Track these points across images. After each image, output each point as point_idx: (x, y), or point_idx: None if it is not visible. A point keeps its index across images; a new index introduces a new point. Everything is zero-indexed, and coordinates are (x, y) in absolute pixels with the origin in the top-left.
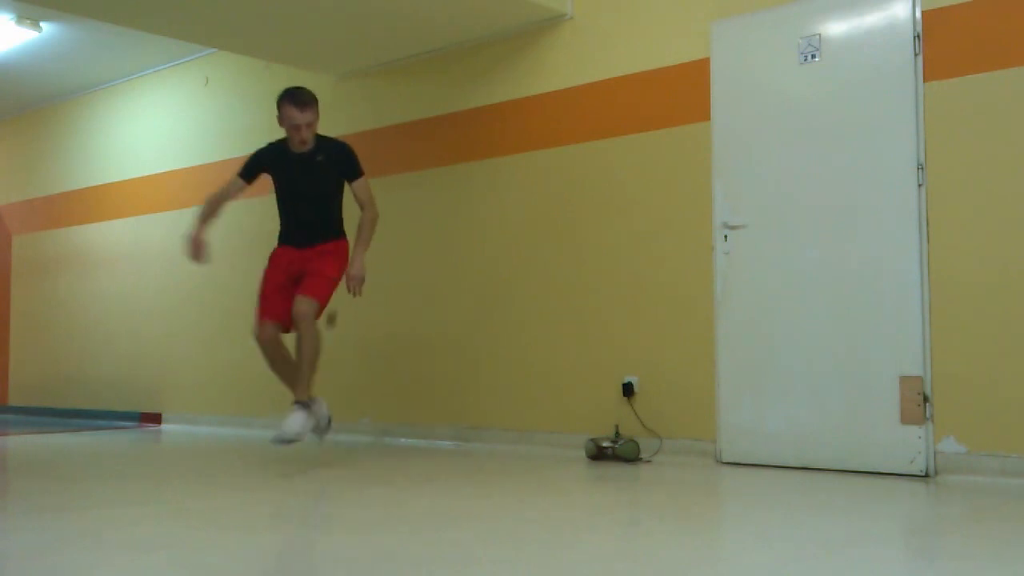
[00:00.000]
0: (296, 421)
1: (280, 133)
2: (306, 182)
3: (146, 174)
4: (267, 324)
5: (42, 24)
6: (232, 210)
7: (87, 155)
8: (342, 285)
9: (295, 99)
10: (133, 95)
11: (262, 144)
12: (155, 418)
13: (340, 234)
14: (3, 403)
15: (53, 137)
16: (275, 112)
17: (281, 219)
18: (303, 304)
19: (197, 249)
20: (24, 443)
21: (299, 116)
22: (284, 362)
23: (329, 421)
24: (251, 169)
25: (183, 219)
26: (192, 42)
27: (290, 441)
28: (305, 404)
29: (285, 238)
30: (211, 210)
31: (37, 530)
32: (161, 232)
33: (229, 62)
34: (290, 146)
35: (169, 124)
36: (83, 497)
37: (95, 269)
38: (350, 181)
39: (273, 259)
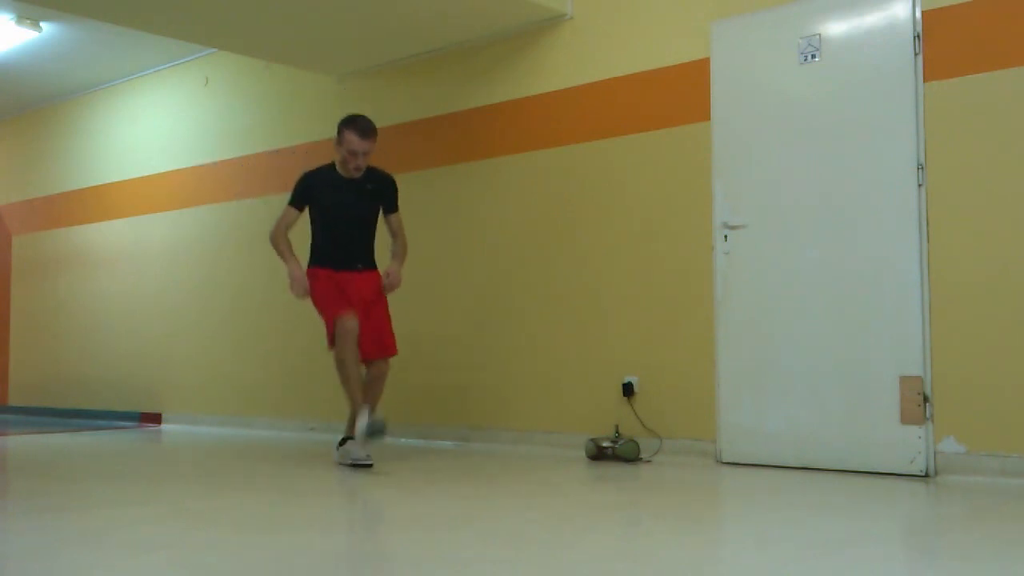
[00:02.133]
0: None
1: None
2: (356, 207)
3: (146, 174)
4: (349, 314)
5: (42, 24)
6: (231, 210)
7: (87, 155)
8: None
9: (358, 127)
10: (133, 95)
11: (263, 143)
12: (155, 418)
13: (374, 263)
14: (3, 403)
15: (53, 137)
16: (275, 111)
17: (323, 242)
18: (385, 367)
19: (303, 285)
20: (24, 443)
21: (359, 144)
22: (358, 363)
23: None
24: (303, 196)
25: (183, 219)
26: (192, 42)
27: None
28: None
29: (329, 261)
30: (286, 243)
31: (37, 530)
32: (161, 232)
33: (229, 62)
34: (341, 171)
35: (169, 124)
36: (83, 497)
37: (95, 269)
38: (388, 213)
39: (319, 274)
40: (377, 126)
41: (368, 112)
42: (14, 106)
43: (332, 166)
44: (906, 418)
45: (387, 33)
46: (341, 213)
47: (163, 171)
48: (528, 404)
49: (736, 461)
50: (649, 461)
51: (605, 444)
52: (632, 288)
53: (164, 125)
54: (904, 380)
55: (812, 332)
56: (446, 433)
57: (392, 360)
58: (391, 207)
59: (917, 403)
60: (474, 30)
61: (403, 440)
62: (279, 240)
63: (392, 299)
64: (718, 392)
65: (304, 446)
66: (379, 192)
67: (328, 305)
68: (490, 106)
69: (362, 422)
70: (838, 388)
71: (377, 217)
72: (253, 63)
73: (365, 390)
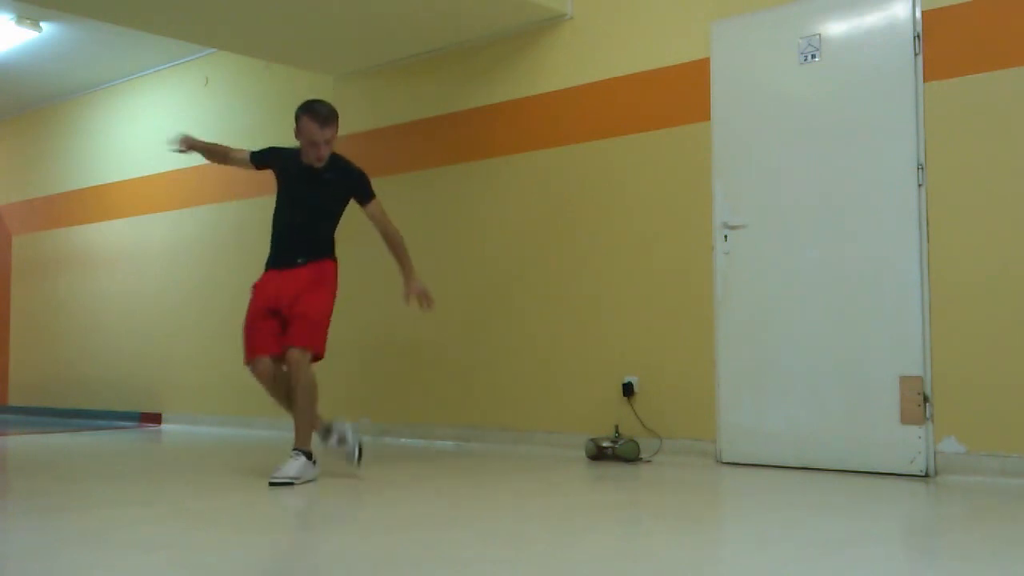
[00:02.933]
0: (293, 466)
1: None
2: (310, 197)
3: (146, 174)
4: (259, 361)
5: (42, 24)
6: (231, 210)
7: (87, 155)
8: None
9: (316, 114)
10: (133, 95)
11: (262, 144)
12: (155, 418)
13: (329, 254)
14: (3, 403)
15: (53, 137)
16: (275, 111)
17: (273, 234)
18: (292, 354)
19: (185, 143)
20: (24, 443)
21: (319, 133)
22: (286, 393)
23: (360, 449)
24: (264, 157)
25: (183, 219)
26: (192, 42)
27: (284, 483)
28: (306, 452)
29: (272, 260)
30: (211, 145)
31: (37, 530)
32: (161, 232)
33: (229, 62)
34: (303, 159)
35: (169, 124)
36: (83, 497)
37: (95, 269)
38: (364, 204)
39: (257, 287)
40: (377, 126)
41: (368, 112)
42: (14, 106)
43: (298, 152)
44: (906, 418)
45: (387, 33)
46: (293, 198)
47: (163, 171)
48: (528, 404)
49: (736, 461)
50: (649, 461)
51: (605, 444)
52: (632, 288)
53: (164, 125)
54: (904, 380)
55: (812, 332)
56: (446, 433)
57: (392, 360)
58: (366, 196)
59: (917, 403)
60: (474, 30)
61: (403, 440)
62: (212, 144)
63: (392, 299)
64: (718, 392)
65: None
66: (340, 184)
67: (247, 338)
68: (490, 106)
69: (288, 464)
70: (838, 388)
71: (336, 211)
72: (253, 63)
73: (293, 407)
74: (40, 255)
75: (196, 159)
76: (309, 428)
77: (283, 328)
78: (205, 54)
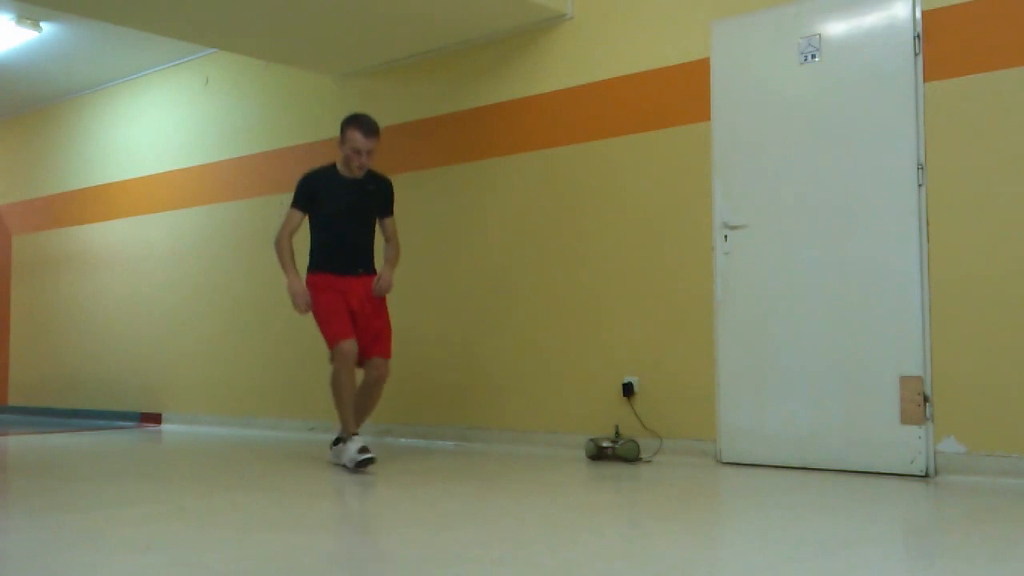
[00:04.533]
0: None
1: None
2: (357, 209)
3: (146, 174)
4: (348, 342)
5: (42, 24)
6: (232, 210)
7: (87, 155)
8: None
9: (363, 126)
10: (133, 95)
11: (263, 143)
12: (155, 418)
13: (374, 266)
14: (3, 403)
15: (53, 137)
16: (275, 111)
17: (323, 244)
18: (384, 368)
19: (305, 301)
20: (24, 443)
21: (364, 143)
22: (354, 387)
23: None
24: (306, 198)
25: (183, 219)
26: (192, 42)
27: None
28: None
29: (329, 266)
30: (289, 253)
31: (37, 530)
32: (161, 232)
33: (229, 62)
34: (342, 171)
35: (169, 124)
36: (83, 497)
37: (95, 269)
38: (383, 216)
39: (318, 284)
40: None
41: (368, 112)
42: (14, 106)
43: (332, 167)
44: (906, 418)
45: (387, 33)
46: (344, 215)
47: (163, 171)
48: (528, 404)
49: (736, 461)
50: (649, 461)
51: (605, 444)
52: (632, 288)
53: (164, 125)
54: (904, 380)
55: (812, 332)
56: (446, 433)
57: (392, 360)
58: (388, 210)
59: (917, 403)
60: (474, 30)
61: (403, 440)
62: (283, 249)
63: (393, 298)
64: (718, 392)
65: (304, 446)
66: (379, 193)
67: (331, 322)
68: (490, 106)
69: (352, 448)
70: (838, 388)
71: (375, 219)
72: (253, 63)
73: (360, 397)
74: (40, 255)
75: (196, 159)
76: (360, 420)
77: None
78: (205, 54)
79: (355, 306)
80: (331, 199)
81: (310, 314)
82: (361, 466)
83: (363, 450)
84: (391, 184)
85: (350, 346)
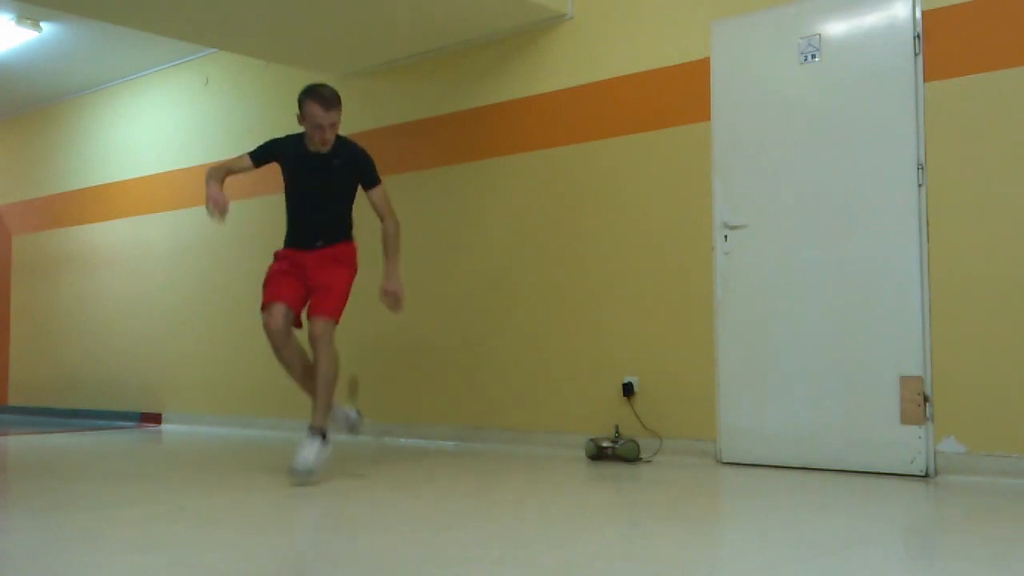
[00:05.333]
0: (310, 453)
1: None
2: (319, 183)
3: (146, 174)
4: (275, 305)
5: (42, 24)
6: (232, 210)
7: (87, 155)
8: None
9: (320, 97)
10: (133, 95)
11: (262, 142)
12: (155, 418)
13: (348, 236)
14: (3, 403)
15: (53, 137)
16: (275, 111)
17: (288, 218)
18: (318, 326)
19: (220, 206)
20: (24, 443)
21: (323, 116)
22: (296, 357)
23: (357, 418)
24: (263, 154)
25: (183, 219)
26: (192, 42)
27: (305, 478)
28: (321, 432)
29: (290, 240)
30: (220, 176)
31: (37, 530)
32: (161, 232)
33: (229, 62)
34: (308, 145)
35: (169, 124)
36: (83, 497)
37: (95, 269)
38: (367, 189)
39: (278, 255)
40: (377, 126)
41: (369, 112)
42: (14, 106)
43: (301, 136)
44: (906, 418)
45: (387, 33)
46: (305, 188)
47: (163, 171)
48: (528, 404)
49: (736, 461)
50: (649, 461)
51: (605, 444)
52: (632, 288)
53: (164, 125)
54: (904, 380)
55: (812, 332)
56: (446, 433)
57: (392, 360)
58: (370, 181)
59: (917, 403)
60: (474, 30)
61: (403, 440)
62: (213, 169)
63: None
64: (718, 392)
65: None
66: (349, 167)
67: (265, 286)
68: (490, 106)
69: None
70: (838, 388)
71: (350, 193)
72: (253, 63)
73: (313, 381)
74: (40, 255)
75: (195, 159)
76: (328, 405)
77: (304, 296)
78: (205, 54)
79: (308, 275)
80: (292, 172)
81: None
82: (294, 477)
83: (297, 465)
84: (364, 153)
85: (276, 309)
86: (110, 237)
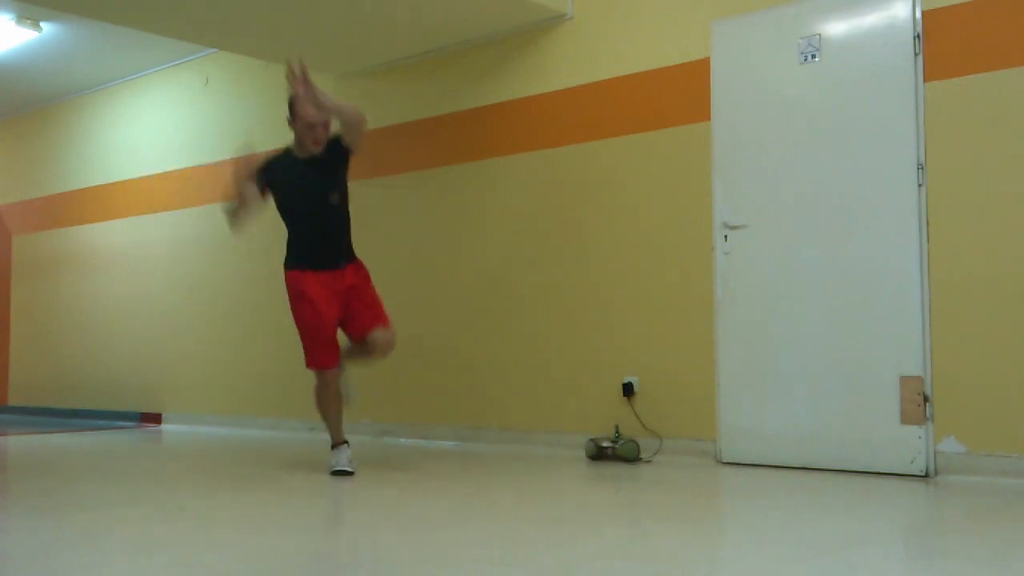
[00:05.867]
0: (346, 456)
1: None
2: (322, 185)
3: (146, 174)
4: (329, 373)
5: (42, 24)
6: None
7: (87, 155)
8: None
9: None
10: (133, 95)
11: (263, 143)
12: (155, 418)
13: (352, 251)
14: (3, 403)
15: (53, 137)
16: (275, 111)
17: (295, 237)
18: (384, 334)
19: (249, 204)
20: (24, 443)
21: (315, 115)
22: (337, 403)
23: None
24: (260, 177)
25: (183, 219)
26: (192, 42)
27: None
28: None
29: (301, 260)
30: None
31: (37, 531)
32: (161, 232)
33: (229, 62)
34: (298, 152)
35: (169, 124)
36: (83, 497)
37: (95, 269)
38: (353, 152)
39: (305, 285)
40: (377, 126)
41: (368, 112)
42: (14, 106)
43: (287, 151)
44: (906, 418)
45: (387, 33)
46: (306, 199)
47: (163, 171)
48: (528, 404)
49: (736, 461)
50: (649, 461)
51: (605, 444)
52: (632, 288)
53: (164, 125)
54: (904, 380)
55: (812, 332)
56: (446, 433)
57: (392, 360)
58: (350, 148)
59: (917, 403)
60: (474, 30)
61: (403, 440)
62: (240, 175)
63: (392, 299)
64: (718, 392)
65: (304, 446)
66: (332, 155)
67: (313, 348)
68: (490, 106)
69: (339, 457)
70: (838, 388)
71: (345, 188)
72: (253, 63)
73: (359, 355)
74: (40, 255)
75: (196, 159)
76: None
77: (343, 325)
78: (205, 54)
79: (341, 298)
80: (290, 186)
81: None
82: (335, 475)
83: (340, 466)
84: (336, 137)
85: (330, 375)
86: (110, 237)
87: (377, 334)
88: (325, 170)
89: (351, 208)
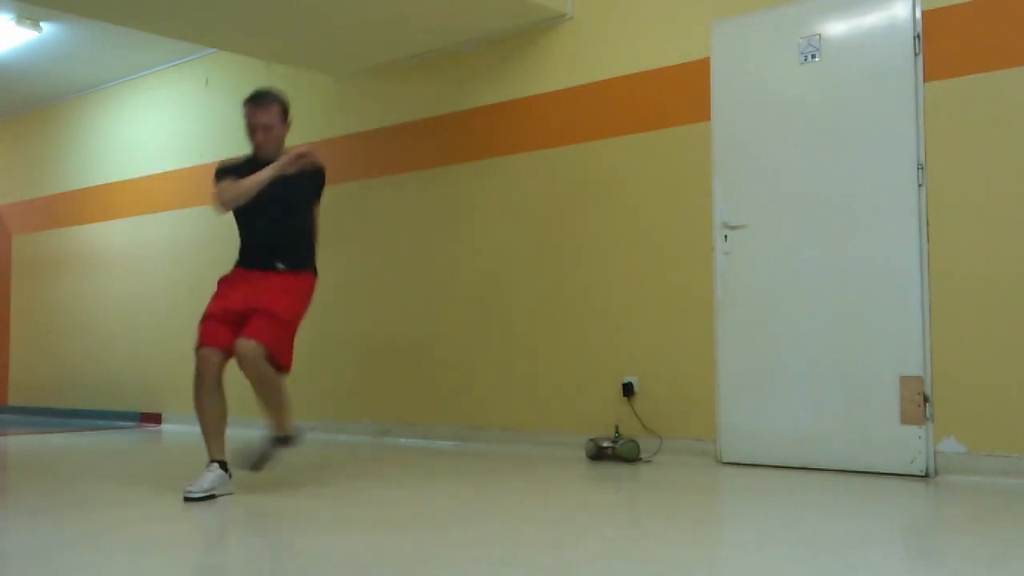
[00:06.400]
0: (207, 479)
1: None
2: (272, 193)
3: (146, 174)
4: (207, 350)
5: (42, 24)
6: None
7: (87, 155)
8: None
9: (252, 97)
10: (133, 95)
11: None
12: (155, 418)
13: (306, 266)
14: (3, 403)
15: (53, 137)
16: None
17: (241, 238)
18: (244, 346)
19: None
20: (24, 443)
21: (256, 115)
22: (213, 404)
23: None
24: (225, 176)
25: (183, 219)
26: (192, 42)
27: (205, 498)
28: (286, 437)
29: (242, 260)
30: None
31: (37, 531)
32: (161, 232)
33: (229, 62)
34: (256, 153)
35: (169, 124)
36: (83, 497)
37: (95, 269)
38: (318, 193)
39: (224, 277)
40: (378, 126)
41: (369, 112)
42: (14, 106)
43: (250, 157)
44: (906, 418)
45: (387, 33)
46: (256, 207)
47: (163, 171)
48: (528, 404)
49: (736, 461)
50: (649, 461)
51: (605, 444)
52: (632, 288)
53: (164, 125)
54: (904, 380)
55: (812, 332)
56: (446, 433)
57: (392, 360)
58: (316, 196)
59: (917, 403)
60: (474, 30)
61: (403, 440)
62: (237, 190)
63: (393, 299)
64: (718, 392)
65: (303, 446)
66: (302, 177)
67: (202, 321)
68: (490, 106)
69: (205, 478)
70: (838, 388)
71: (305, 208)
72: (253, 63)
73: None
74: (40, 255)
75: (196, 159)
76: (282, 418)
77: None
78: (205, 54)
79: (253, 300)
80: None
81: (312, 311)
82: (186, 497)
83: (190, 489)
84: (322, 169)
85: (208, 353)
86: (110, 237)
87: (240, 342)
88: (287, 184)
89: (322, 224)
